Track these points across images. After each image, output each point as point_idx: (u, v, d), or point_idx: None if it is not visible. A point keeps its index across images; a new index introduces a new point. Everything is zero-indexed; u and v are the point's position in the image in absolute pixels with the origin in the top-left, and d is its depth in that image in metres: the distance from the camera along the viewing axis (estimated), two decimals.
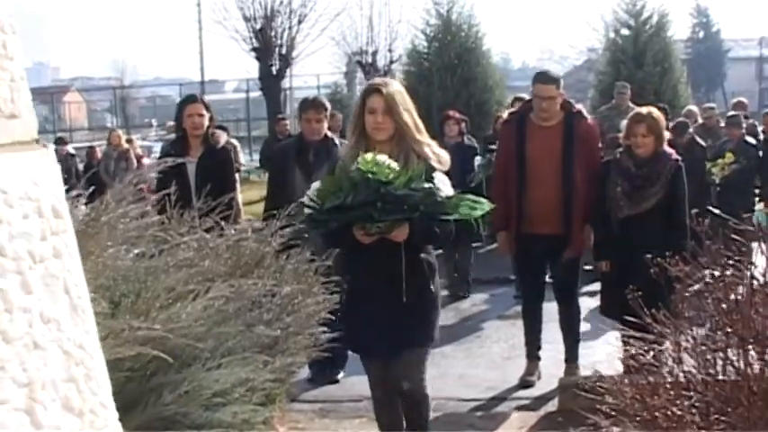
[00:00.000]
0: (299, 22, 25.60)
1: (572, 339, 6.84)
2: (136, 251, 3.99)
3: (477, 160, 10.34)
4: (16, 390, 1.19)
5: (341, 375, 7.17)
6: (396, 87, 4.47)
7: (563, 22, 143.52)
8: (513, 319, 8.35)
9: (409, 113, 4.39)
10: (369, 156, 4.16)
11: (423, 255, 4.56)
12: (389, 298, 4.41)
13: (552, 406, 6.11)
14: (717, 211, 8.66)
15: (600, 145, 7.36)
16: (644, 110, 6.43)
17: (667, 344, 2.70)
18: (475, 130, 12.82)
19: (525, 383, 6.77)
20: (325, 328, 6.06)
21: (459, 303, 9.86)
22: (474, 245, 10.40)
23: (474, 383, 6.94)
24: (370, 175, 4.05)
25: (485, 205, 4.36)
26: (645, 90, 15.07)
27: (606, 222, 6.36)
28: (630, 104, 10.93)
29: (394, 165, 4.14)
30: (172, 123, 12.16)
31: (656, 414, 2.39)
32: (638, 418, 2.41)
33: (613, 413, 2.61)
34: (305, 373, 7.00)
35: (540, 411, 6.01)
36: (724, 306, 2.44)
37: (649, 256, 3.17)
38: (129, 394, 3.49)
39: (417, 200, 4.10)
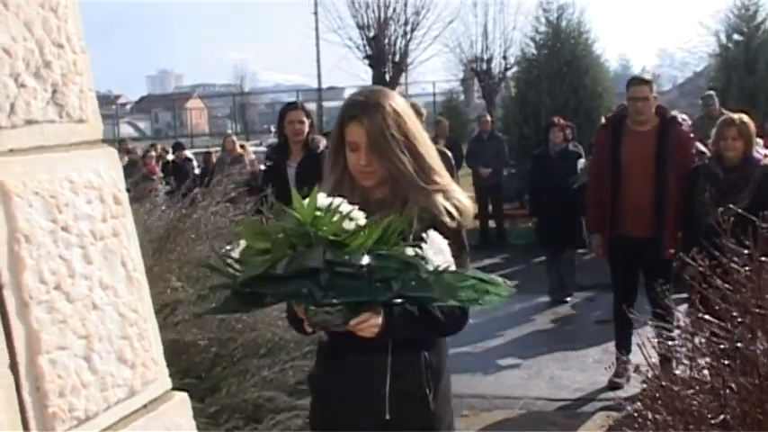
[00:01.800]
0: (412, 29, 25.99)
1: None
2: (228, 247, 4.32)
3: (581, 163, 10.45)
4: (76, 340, 1.48)
5: None
6: (387, 109, 3.04)
7: (684, 28, 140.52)
8: (611, 323, 8.42)
9: (410, 148, 3.04)
10: (318, 196, 2.67)
11: (423, 351, 3.12)
12: (368, 411, 3.02)
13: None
14: None
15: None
16: (734, 115, 6.50)
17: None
18: (583, 138, 12.88)
19: (613, 385, 6.88)
20: None
21: (558, 307, 9.98)
22: (578, 250, 10.51)
23: (564, 385, 7.08)
24: (310, 230, 2.52)
25: (502, 288, 2.74)
26: (756, 97, 14.86)
27: (696, 228, 6.44)
28: (723, 111, 10.90)
29: (357, 214, 2.64)
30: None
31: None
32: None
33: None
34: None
35: (623, 412, 6.12)
36: None
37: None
38: (216, 377, 3.81)
39: (389, 274, 2.56)
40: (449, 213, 3.02)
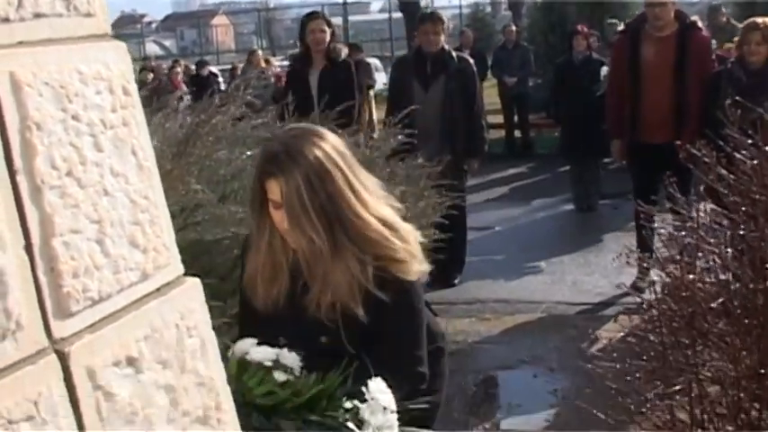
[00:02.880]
0: None
1: None
2: (249, 152, 4.38)
3: (604, 71, 10.37)
4: (89, 224, 1.53)
5: (457, 280, 7.49)
6: (309, 161, 2.60)
7: None
8: (634, 231, 8.43)
9: (332, 212, 2.61)
10: (243, 345, 2.56)
11: None
12: None
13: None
14: None
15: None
16: (759, 19, 6.42)
17: None
18: (608, 47, 12.73)
19: (635, 290, 6.94)
20: (438, 231, 6.40)
21: (582, 215, 10.01)
22: (603, 159, 10.49)
23: (585, 290, 7.16)
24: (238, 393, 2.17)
25: None
26: None
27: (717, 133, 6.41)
28: (731, 21, 10.79)
29: (291, 360, 2.52)
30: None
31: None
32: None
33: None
34: (423, 278, 7.34)
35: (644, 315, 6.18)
36: None
37: None
38: (238, 278, 3.89)
39: None
40: (380, 283, 2.65)
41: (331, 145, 2.68)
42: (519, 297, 7.01)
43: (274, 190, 2.68)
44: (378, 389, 2.45)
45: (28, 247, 1.44)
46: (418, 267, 2.79)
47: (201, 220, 3.55)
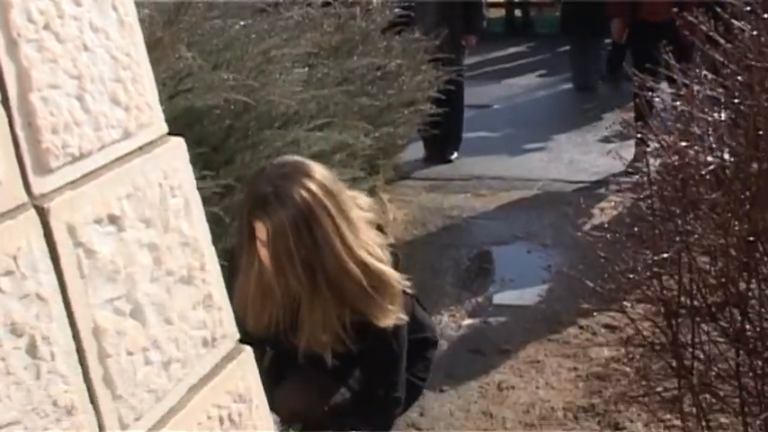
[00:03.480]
0: None
1: None
2: (242, 23, 4.30)
3: None
4: (68, 79, 1.49)
5: (454, 156, 7.46)
6: (297, 205, 2.62)
7: None
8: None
9: (315, 259, 2.66)
10: None
11: None
12: None
13: None
14: None
15: None
16: None
17: None
18: None
19: (633, 170, 6.91)
20: (434, 106, 6.35)
21: (581, 94, 9.90)
22: (604, 40, 10.32)
23: (582, 168, 7.14)
24: None
25: None
26: None
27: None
28: None
29: None
30: None
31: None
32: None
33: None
34: (419, 153, 7.33)
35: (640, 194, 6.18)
36: None
37: None
38: (230, 148, 3.87)
39: None
40: (357, 329, 2.85)
41: (320, 185, 2.68)
42: (515, 174, 6.99)
43: (262, 231, 2.70)
44: None
45: (5, 102, 1.41)
46: (395, 316, 2.85)
47: (193, 87, 3.50)
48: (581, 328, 4.39)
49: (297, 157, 2.89)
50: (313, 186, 2.67)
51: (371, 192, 5.71)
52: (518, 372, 4.06)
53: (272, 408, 2.60)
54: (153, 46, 3.19)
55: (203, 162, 3.70)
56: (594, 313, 4.41)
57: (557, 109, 9.38)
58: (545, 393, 3.88)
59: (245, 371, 1.93)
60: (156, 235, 1.67)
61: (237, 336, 1.94)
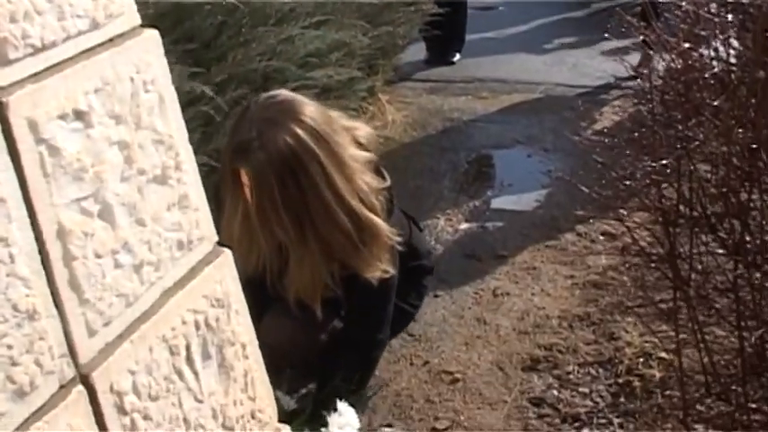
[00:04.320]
0: None
1: None
2: None
3: None
4: None
5: (456, 58, 7.32)
6: (281, 152, 2.49)
7: None
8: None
9: (303, 208, 2.55)
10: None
11: None
12: None
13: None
14: None
15: None
16: None
17: None
18: None
19: (637, 75, 6.77)
20: (437, 6, 6.19)
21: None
22: None
23: (586, 73, 6.98)
24: None
25: None
26: None
27: None
28: None
29: None
30: None
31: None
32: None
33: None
34: (421, 54, 7.18)
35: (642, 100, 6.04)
36: None
37: None
38: (222, 46, 3.75)
39: None
40: (346, 280, 2.80)
41: (309, 129, 2.51)
42: (518, 77, 6.85)
43: (246, 177, 2.56)
44: (347, 409, 2.54)
45: None
46: (383, 268, 2.76)
47: None
48: (579, 235, 4.32)
49: (286, 95, 2.68)
50: (300, 131, 2.51)
51: (370, 92, 5.60)
52: (514, 278, 4.01)
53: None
54: None
55: (194, 59, 3.58)
56: (593, 220, 4.34)
57: (563, 11, 9.15)
58: (540, 300, 3.83)
59: (224, 275, 1.87)
60: (127, 132, 1.59)
61: (216, 238, 1.87)
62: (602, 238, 4.26)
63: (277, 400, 2.95)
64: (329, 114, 2.66)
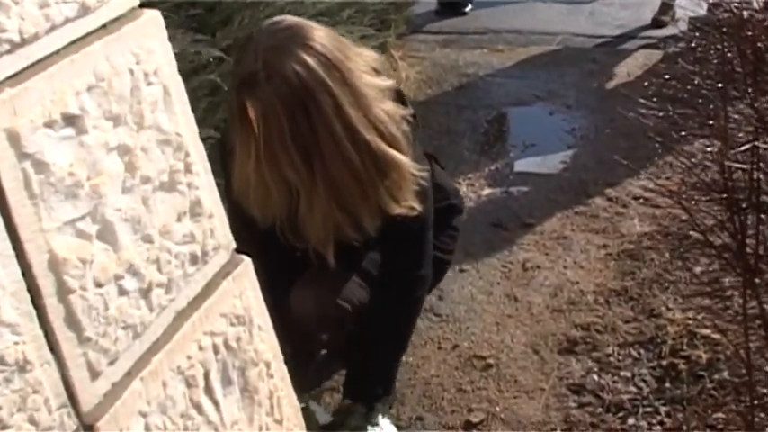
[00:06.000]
0: None
1: None
2: None
3: None
4: None
5: (468, 8, 7.05)
6: (291, 84, 2.27)
7: None
8: None
9: (315, 147, 2.35)
10: None
11: None
12: None
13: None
14: None
15: None
16: None
17: None
18: None
19: (658, 23, 6.50)
20: None
21: None
22: None
23: (604, 21, 6.70)
24: None
25: None
26: None
27: None
28: None
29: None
30: None
31: None
32: None
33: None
34: (432, 5, 6.91)
35: (666, 50, 5.79)
36: None
37: None
38: (226, 8, 3.50)
39: None
40: (356, 227, 2.52)
41: (319, 56, 2.27)
42: (533, 27, 6.56)
43: (253, 111, 2.32)
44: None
45: None
46: (410, 205, 2.52)
47: None
48: (610, 200, 4.07)
49: (293, 20, 2.43)
50: (309, 59, 2.28)
51: (383, 48, 5.32)
52: (543, 249, 3.77)
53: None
54: None
55: (198, 24, 3.34)
56: (623, 183, 4.11)
57: None
58: (573, 274, 3.60)
59: (244, 287, 1.64)
60: (128, 134, 1.36)
61: (233, 245, 1.64)
62: (633, 202, 4.01)
63: (312, 413, 2.79)
64: (340, 39, 2.43)
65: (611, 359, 3.13)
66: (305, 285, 2.75)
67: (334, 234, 2.54)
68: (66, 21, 1.27)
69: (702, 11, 5.78)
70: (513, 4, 7.12)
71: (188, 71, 3.13)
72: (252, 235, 2.39)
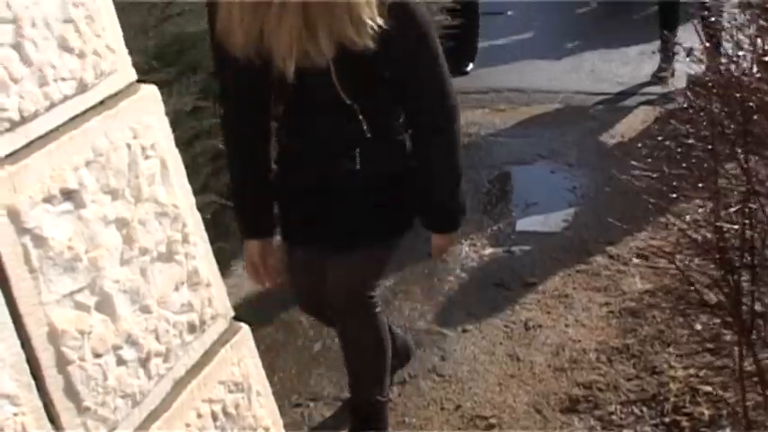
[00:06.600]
0: None
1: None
2: None
3: None
4: (0, 25, 1.19)
5: (470, 67, 7.12)
6: None
7: None
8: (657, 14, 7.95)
9: None
10: None
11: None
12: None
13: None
14: None
15: None
16: None
17: None
18: None
19: (657, 79, 6.57)
20: (449, 17, 5.99)
21: None
22: None
23: (605, 78, 6.77)
24: None
25: None
26: None
27: None
28: None
29: None
30: None
31: None
32: None
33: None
34: None
35: (670, 105, 5.84)
36: None
37: None
38: None
39: None
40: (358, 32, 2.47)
41: None
42: (535, 86, 6.63)
43: None
44: None
45: None
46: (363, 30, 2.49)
47: (183, 11, 3.17)
48: (611, 257, 4.09)
49: None
50: None
51: None
52: (545, 308, 3.79)
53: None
54: None
55: (199, 89, 3.38)
56: (624, 241, 4.13)
57: (573, 13, 8.93)
58: (575, 333, 3.61)
59: (242, 354, 1.66)
60: (126, 208, 1.39)
61: (231, 313, 1.66)
62: (635, 260, 4.03)
63: None
64: None
65: (614, 417, 3.13)
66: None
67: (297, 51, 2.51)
68: (65, 98, 1.30)
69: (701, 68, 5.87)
70: (515, 63, 7.20)
71: (190, 137, 3.18)
72: (231, 71, 2.62)
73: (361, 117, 2.68)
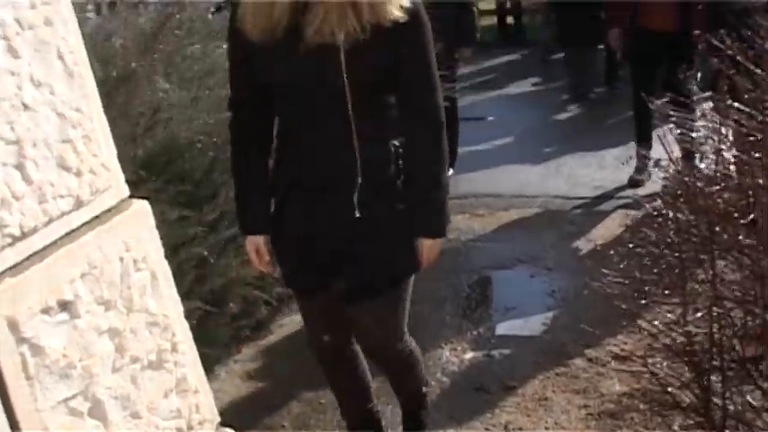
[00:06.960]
0: None
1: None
2: (225, 46, 4.07)
3: None
4: (4, 146, 1.28)
5: (450, 172, 7.23)
6: None
7: None
8: (632, 121, 8.14)
9: None
10: None
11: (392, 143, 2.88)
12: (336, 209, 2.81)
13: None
14: None
15: None
16: None
17: None
18: None
19: (633, 183, 6.70)
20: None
21: (577, 105, 9.66)
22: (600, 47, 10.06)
23: (582, 183, 6.92)
24: None
25: None
26: None
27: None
28: None
29: None
30: None
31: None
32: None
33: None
34: None
35: (642, 211, 5.96)
36: None
37: None
38: (213, 183, 3.65)
39: None
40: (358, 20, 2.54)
41: None
42: (513, 190, 6.77)
43: None
44: None
45: None
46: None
47: (173, 119, 3.27)
48: (589, 360, 4.15)
49: None
50: None
51: None
52: (525, 410, 3.82)
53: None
54: (127, 78, 2.97)
55: (186, 200, 3.47)
56: (602, 343, 4.19)
57: (552, 119, 9.15)
58: None
59: None
60: (118, 318, 1.45)
61: (218, 419, 1.71)
62: (613, 362, 4.08)
63: None
64: None
65: None
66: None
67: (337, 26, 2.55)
68: (62, 214, 1.38)
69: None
70: (494, 168, 7.34)
71: (175, 245, 3.25)
72: (249, 58, 2.63)
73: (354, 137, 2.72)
